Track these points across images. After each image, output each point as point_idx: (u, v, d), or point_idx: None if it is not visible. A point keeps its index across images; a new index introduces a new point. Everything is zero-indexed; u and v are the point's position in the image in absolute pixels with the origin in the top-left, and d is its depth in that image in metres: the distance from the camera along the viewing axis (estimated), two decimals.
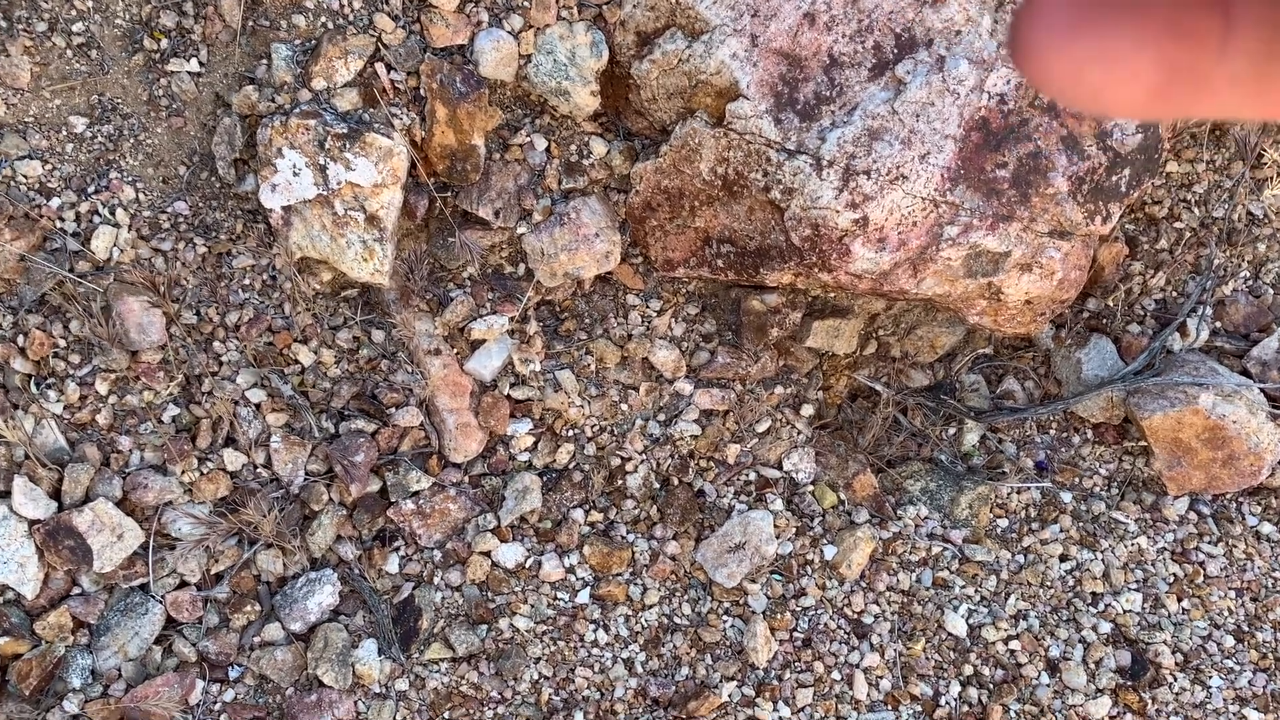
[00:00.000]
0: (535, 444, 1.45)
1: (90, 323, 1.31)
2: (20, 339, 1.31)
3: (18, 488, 1.28)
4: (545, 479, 1.45)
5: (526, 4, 1.35)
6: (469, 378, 1.42)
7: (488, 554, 1.42)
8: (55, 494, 1.31)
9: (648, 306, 1.47)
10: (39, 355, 1.31)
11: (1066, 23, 0.23)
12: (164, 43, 1.34)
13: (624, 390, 1.47)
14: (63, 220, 1.32)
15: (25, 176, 1.31)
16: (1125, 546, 1.46)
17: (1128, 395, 1.46)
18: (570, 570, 1.42)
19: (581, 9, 1.36)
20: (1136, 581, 1.45)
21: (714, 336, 1.48)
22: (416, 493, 1.40)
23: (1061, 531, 1.47)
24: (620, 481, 1.46)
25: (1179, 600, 1.44)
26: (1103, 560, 1.46)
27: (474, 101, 1.33)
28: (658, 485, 1.47)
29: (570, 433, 1.45)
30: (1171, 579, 1.45)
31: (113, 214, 1.33)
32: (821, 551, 1.44)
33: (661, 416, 1.48)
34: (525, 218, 1.41)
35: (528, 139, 1.40)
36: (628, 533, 1.44)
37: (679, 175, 1.38)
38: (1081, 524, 1.48)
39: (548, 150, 1.41)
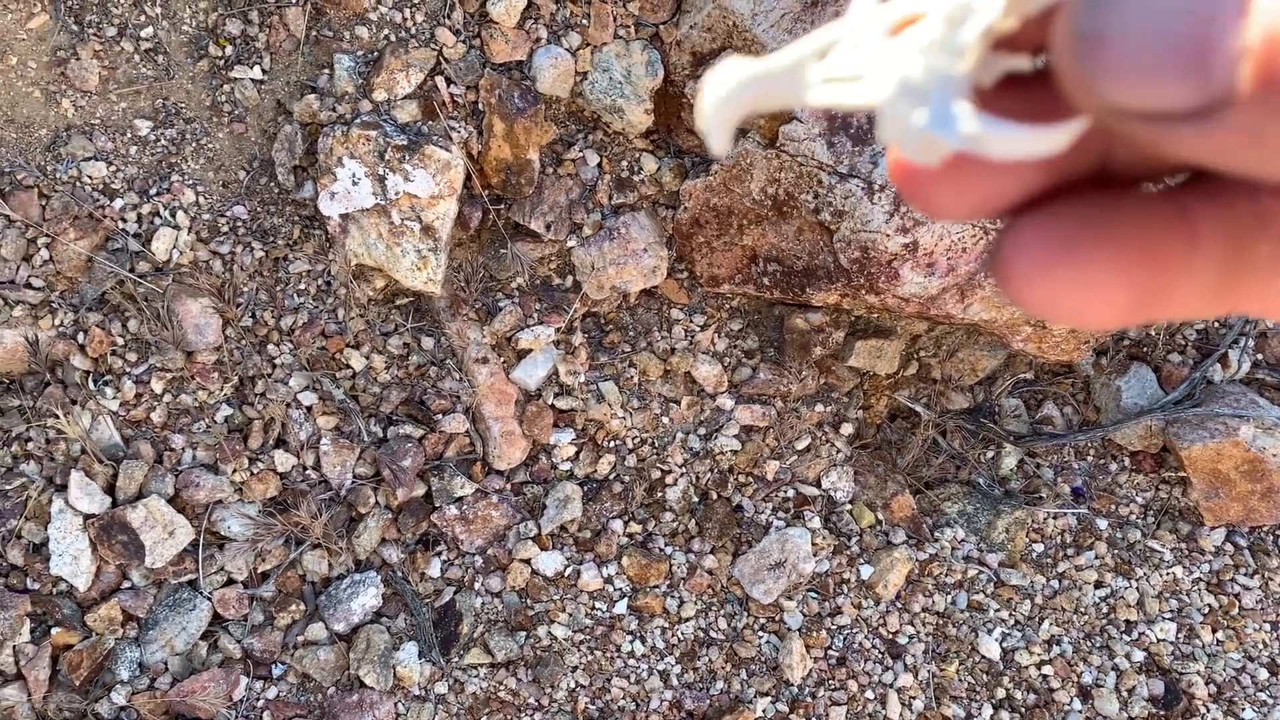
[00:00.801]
0: (577, 454, 1.48)
1: (149, 322, 1.35)
2: (80, 336, 1.35)
3: (74, 482, 1.32)
4: (586, 489, 1.48)
5: (584, 22, 1.38)
6: (514, 386, 1.46)
7: (528, 561, 1.45)
8: (110, 489, 1.35)
9: (691, 321, 1.50)
10: (98, 353, 1.36)
11: (1045, 253, 0.25)
12: (229, 50, 1.38)
13: (666, 403, 1.50)
14: (125, 221, 1.36)
15: (90, 177, 1.35)
16: (1160, 575, 1.49)
17: (1167, 425, 1.48)
18: (608, 580, 1.46)
19: (638, 28, 1.39)
20: (1171, 611, 1.48)
21: (756, 353, 1.51)
22: (460, 498, 1.44)
23: (1097, 558, 1.50)
24: (660, 494, 1.49)
25: (1213, 631, 1.46)
26: (1137, 588, 1.48)
27: (530, 117, 1.37)
28: (697, 499, 1.50)
29: (612, 444, 1.49)
30: (1206, 609, 1.48)
31: (173, 216, 1.37)
32: (858, 571, 1.47)
33: (702, 431, 1.51)
34: (575, 231, 1.45)
35: (581, 154, 1.43)
36: (666, 545, 1.48)
37: (729, 194, 1.41)
38: (1117, 551, 1.50)
39: (600, 166, 1.44)
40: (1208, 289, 0.26)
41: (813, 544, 1.47)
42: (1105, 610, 1.48)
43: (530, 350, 1.46)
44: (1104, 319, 0.25)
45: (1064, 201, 0.26)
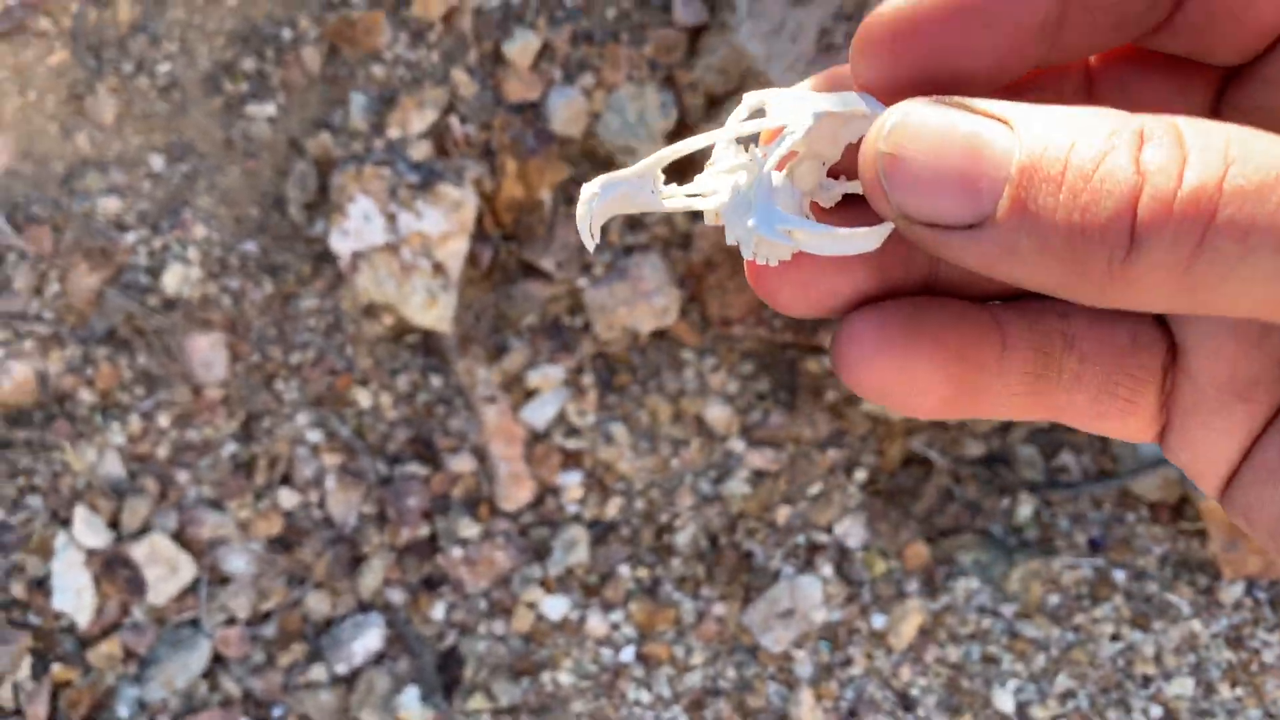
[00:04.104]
0: (585, 496, 1.56)
1: (158, 357, 1.43)
2: (89, 370, 1.44)
3: (79, 516, 1.40)
4: (593, 532, 1.55)
5: (598, 63, 1.48)
6: (522, 426, 1.53)
7: (533, 605, 1.52)
8: (113, 524, 1.43)
9: (702, 363, 1.58)
10: (106, 387, 1.44)
11: (874, 345, 0.32)
12: (243, 86, 1.48)
13: (675, 446, 1.58)
14: (136, 255, 1.45)
15: (103, 212, 1.44)
16: (1178, 629, 1.55)
17: (1184, 475, 1.54)
18: (615, 627, 1.52)
19: (653, 70, 1.48)
20: (1189, 665, 1.54)
21: (768, 396, 1.59)
22: (465, 540, 1.51)
23: (1113, 610, 1.56)
24: (668, 539, 1.56)
25: (1232, 687, 1.52)
26: (1155, 642, 1.54)
27: (543, 156, 1.46)
28: (706, 544, 1.57)
29: (620, 486, 1.56)
30: (1225, 665, 1.53)
31: (184, 251, 1.46)
32: (870, 620, 1.54)
33: (712, 474, 1.58)
34: (586, 271, 1.53)
35: None
36: (674, 591, 1.54)
37: None
38: (1134, 603, 1.56)
39: None
40: (1018, 393, 0.33)
41: (824, 592, 1.54)
42: (1122, 664, 1.54)
43: (539, 390, 1.54)
44: (927, 407, 0.32)
45: (893, 303, 0.33)
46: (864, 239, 0.30)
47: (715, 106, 1.49)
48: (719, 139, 0.34)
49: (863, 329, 0.32)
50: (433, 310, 1.45)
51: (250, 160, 1.49)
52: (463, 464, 1.51)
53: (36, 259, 1.43)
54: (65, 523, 1.42)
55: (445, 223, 1.42)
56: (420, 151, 1.44)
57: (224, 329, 1.45)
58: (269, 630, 1.46)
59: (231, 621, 1.46)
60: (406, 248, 1.43)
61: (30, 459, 1.42)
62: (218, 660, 1.45)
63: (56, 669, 1.40)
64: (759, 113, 0.34)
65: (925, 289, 0.34)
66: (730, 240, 0.32)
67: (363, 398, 1.49)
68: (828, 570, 1.55)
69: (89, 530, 1.41)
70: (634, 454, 1.56)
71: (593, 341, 1.54)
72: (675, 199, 0.34)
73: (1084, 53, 0.32)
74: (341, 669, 1.46)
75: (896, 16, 0.30)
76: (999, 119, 0.27)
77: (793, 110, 0.32)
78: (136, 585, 1.41)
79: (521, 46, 1.45)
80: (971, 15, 0.29)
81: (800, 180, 0.33)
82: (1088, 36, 0.31)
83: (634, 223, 1.53)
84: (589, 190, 0.34)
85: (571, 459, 1.55)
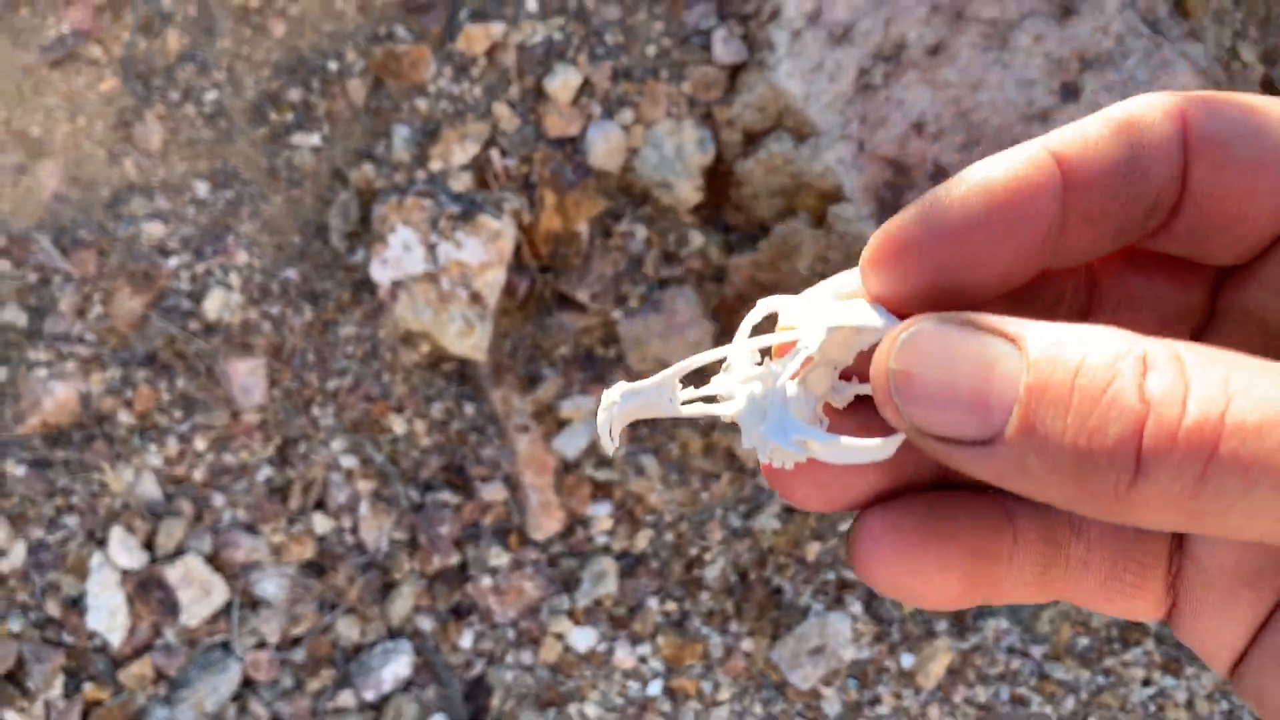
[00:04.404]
0: (614, 527, 1.56)
1: (197, 381, 1.45)
2: (128, 392, 1.46)
3: (115, 537, 1.42)
4: (622, 564, 1.56)
5: (638, 99, 1.50)
6: (554, 456, 1.54)
7: (560, 636, 1.53)
8: (148, 545, 1.44)
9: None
10: (144, 409, 1.46)
11: (890, 547, 0.33)
12: (289, 116, 1.51)
13: (706, 479, 1.58)
14: (178, 280, 1.48)
15: (148, 237, 1.47)
16: (1210, 675, 1.54)
17: None
18: (643, 660, 1.53)
19: (691, 106, 1.51)
20: (1221, 713, 1.53)
21: None
22: (495, 568, 1.52)
23: (1144, 655, 1.55)
24: (697, 572, 1.57)
25: None
26: (1187, 688, 1.53)
27: (581, 190, 1.48)
28: (735, 579, 1.57)
29: (650, 518, 1.57)
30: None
31: (226, 276, 1.49)
32: (899, 659, 1.53)
33: (742, 508, 1.59)
34: (621, 303, 1.55)
35: (629, 228, 1.54)
36: (702, 626, 1.55)
37: (775, 271, 1.51)
38: (1165, 648, 1.56)
39: (647, 239, 1.55)
40: (1029, 582, 0.35)
41: (853, 630, 1.54)
42: (1153, 709, 1.53)
43: (571, 420, 1.55)
44: (941, 602, 0.33)
45: (906, 500, 0.34)
46: (877, 450, 0.31)
47: (752, 144, 1.51)
48: (733, 351, 0.35)
49: (878, 531, 0.33)
50: (469, 339, 1.47)
51: (293, 189, 1.51)
52: (494, 493, 1.52)
53: (81, 282, 1.45)
54: (101, 543, 1.43)
55: (484, 253, 1.44)
56: (461, 183, 1.46)
57: (264, 354, 1.47)
58: (299, 655, 1.47)
59: (262, 645, 1.47)
60: (445, 277, 1.45)
61: (68, 479, 1.44)
62: (247, 684, 1.46)
63: (88, 688, 1.41)
64: (772, 318, 0.35)
65: (937, 481, 0.35)
66: (746, 445, 0.34)
67: (397, 424, 1.50)
68: (857, 608, 1.55)
69: (124, 551, 1.42)
70: (664, 486, 1.57)
71: (625, 373, 1.56)
72: (693, 405, 0.35)
73: (1086, 258, 0.33)
74: (370, 696, 1.46)
75: (905, 233, 0.31)
76: (1007, 336, 0.28)
77: (806, 322, 0.33)
78: (169, 607, 1.42)
79: (562, 82, 1.48)
80: (977, 231, 0.30)
81: (814, 385, 0.34)
82: (1089, 243, 0.32)
83: (669, 256, 1.55)
84: (609, 398, 0.35)
85: (602, 490, 1.56)
